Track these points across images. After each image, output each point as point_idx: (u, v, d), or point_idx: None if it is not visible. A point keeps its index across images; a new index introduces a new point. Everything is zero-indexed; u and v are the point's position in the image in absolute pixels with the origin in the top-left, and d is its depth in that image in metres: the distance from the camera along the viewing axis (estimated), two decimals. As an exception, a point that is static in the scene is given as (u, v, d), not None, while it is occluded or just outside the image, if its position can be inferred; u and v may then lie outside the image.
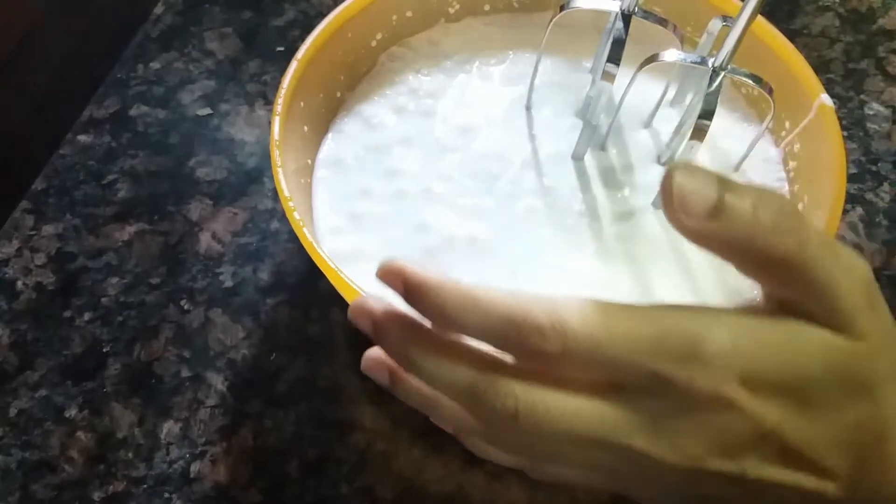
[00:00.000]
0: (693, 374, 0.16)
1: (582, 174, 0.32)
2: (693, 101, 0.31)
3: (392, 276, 0.18)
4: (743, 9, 0.25)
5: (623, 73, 0.29)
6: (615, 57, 0.29)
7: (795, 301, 0.17)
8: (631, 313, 0.17)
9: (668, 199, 0.17)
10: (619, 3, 0.29)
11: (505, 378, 0.18)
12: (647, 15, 0.30)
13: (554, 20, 0.31)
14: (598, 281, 0.29)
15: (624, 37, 0.29)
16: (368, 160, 0.33)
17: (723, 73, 0.27)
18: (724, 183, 0.17)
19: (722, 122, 0.32)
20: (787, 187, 0.32)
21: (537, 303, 0.17)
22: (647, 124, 0.33)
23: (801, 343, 0.17)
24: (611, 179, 0.32)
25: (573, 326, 0.16)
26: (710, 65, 0.27)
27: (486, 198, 0.31)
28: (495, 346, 0.18)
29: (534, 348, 0.17)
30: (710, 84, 0.27)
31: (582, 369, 0.17)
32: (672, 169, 0.17)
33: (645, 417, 0.17)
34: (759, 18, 0.33)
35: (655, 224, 0.30)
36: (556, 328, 0.16)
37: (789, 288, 0.18)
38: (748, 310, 0.18)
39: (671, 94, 0.34)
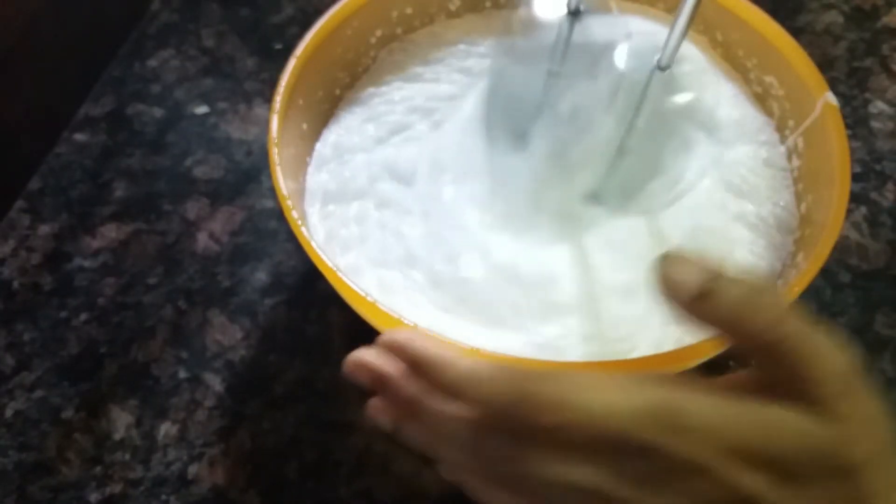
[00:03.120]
0: (676, 443, 0.18)
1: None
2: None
3: (398, 348, 0.20)
4: (680, 11, 0.25)
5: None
6: (557, 58, 0.29)
7: (778, 383, 0.19)
8: (623, 386, 0.19)
9: (658, 283, 0.19)
10: (566, 4, 0.29)
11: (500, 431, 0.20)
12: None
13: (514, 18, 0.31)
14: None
15: (567, 36, 0.29)
16: (364, 160, 0.32)
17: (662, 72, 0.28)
18: (714, 274, 0.19)
19: (727, 114, 0.32)
20: (791, 188, 0.31)
21: (538, 380, 0.19)
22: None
23: (780, 425, 0.19)
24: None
25: (570, 401, 0.19)
26: (654, 62, 0.28)
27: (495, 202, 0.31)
28: (498, 417, 0.20)
29: (534, 422, 0.19)
30: (648, 83, 0.28)
31: (577, 437, 0.19)
32: (662, 257, 0.19)
33: (634, 477, 0.19)
34: (763, 16, 0.32)
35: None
36: (555, 403, 0.19)
37: (772, 371, 0.19)
38: (733, 383, 0.20)
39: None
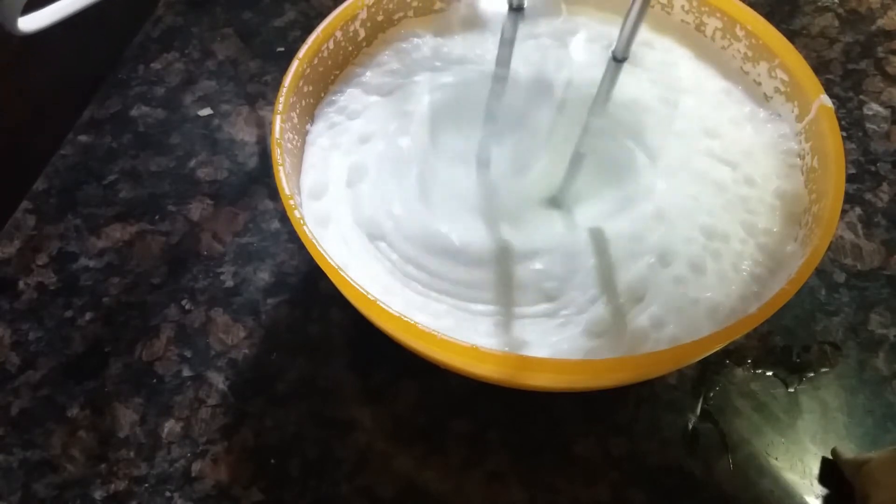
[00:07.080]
0: None
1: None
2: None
3: None
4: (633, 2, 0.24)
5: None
6: (503, 59, 0.27)
7: None
8: None
9: None
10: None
11: None
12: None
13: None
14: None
15: (513, 36, 0.27)
16: (355, 160, 0.32)
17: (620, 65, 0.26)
18: None
19: (730, 115, 0.32)
20: (803, 185, 0.31)
21: None
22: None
23: None
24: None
25: None
26: (610, 54, 0.26)
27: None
28: None
29: None
30: (606, 74, 0.26)
31: None
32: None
33: None
34: (759, 18, 0.33)
35: None
36: None
37: None
38: None
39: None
